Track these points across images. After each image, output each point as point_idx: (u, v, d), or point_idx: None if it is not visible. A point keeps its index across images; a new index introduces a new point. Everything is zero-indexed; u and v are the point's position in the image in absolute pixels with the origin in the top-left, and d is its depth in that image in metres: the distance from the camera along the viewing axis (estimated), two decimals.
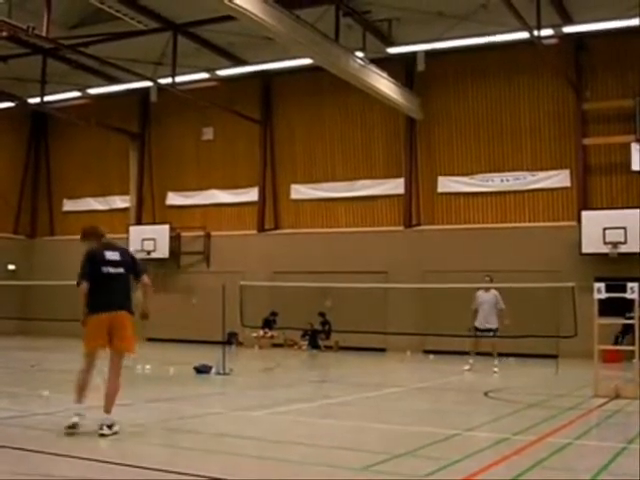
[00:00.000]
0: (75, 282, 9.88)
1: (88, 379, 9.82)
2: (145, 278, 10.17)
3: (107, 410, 9.55)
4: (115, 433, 9.33)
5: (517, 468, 7.86)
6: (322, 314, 28.60)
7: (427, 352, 23.30)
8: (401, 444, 9.22)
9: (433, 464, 8.01)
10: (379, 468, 7.82)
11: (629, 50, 26.12)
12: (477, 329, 20.52)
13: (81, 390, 9.72)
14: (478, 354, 20.58)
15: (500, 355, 20.85)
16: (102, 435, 9.21)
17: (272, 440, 9.64)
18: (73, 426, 9.34)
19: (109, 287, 9.73)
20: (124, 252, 10.32)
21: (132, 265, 10.12)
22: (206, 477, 7.30)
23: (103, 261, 9.81)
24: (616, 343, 22.96)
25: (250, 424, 11.11)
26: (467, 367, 20.13)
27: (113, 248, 10.13)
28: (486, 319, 20.41)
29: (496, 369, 19.90)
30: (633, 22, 23.31)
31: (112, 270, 9.82)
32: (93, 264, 9.81)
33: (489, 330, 20.44)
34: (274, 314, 28.74)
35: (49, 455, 8.26)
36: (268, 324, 28.76)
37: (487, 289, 20.76)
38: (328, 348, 27.98)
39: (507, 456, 8.48)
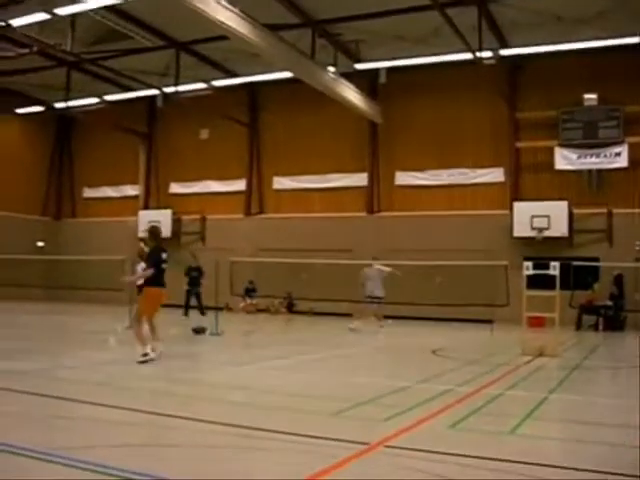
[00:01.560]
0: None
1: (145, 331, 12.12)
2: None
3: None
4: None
5: (459, 414, 7.94)
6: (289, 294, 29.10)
7: (386, 317, 23.31)
8: (363, 394, 9.26)
9: (390, 410, 8.06)
10: (346, 414, 7.86)
11: (554, 69, 26.19)
12: (369, 297, 20.66)
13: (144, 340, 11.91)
14: (387, 317, 21.34)
15: (387, 317, 21.56)
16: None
17: (254, 390, 9.66)
18: (146, 354, 11.57)
19: (163, 274, 12.41)
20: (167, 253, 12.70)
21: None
22: (196, 419, 7.34)
23: (161, 258, 12.43)
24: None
25: (236, 376, 11.12)
26: (352, 326, 20.21)
27: (164, 250, 12.68)
28: (373, 290, 20.55)
29: (382, 327, 20.64)
30: (558, 47, 23.48)
31: (164, 265, 12.44)
32: (159, 258, 12.36)
33: (376, 297, 20.64)
34: (251, 282, 28.74)
35: (72, 401, 8.25)
36: (248, 292, 28.76)
37: (371, 265, 20.96)
38: (303, 313, 28.06)
39: (451, 404, 8.54)
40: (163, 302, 12.55)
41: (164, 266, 12.37)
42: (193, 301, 23.84)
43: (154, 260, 12.34)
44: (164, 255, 12.51)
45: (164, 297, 12.46)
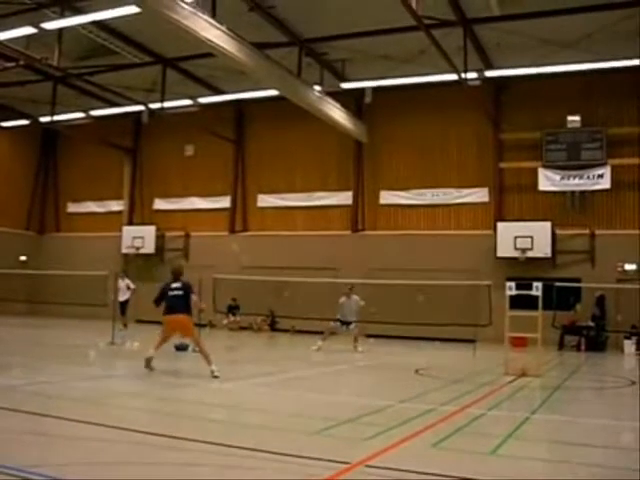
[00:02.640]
0: None
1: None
2: (194, 296, 13.33)
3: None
4: None
5: (442, 433, 7.88)
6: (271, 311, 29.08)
7: (369, 336, 23.23)
8: (346, 413, 9.19)
9: (373, 429, 7.99)
10: (327, 432, 7.80)
11: (538, 91, 26.35)
12: (341, 321, 20.39)
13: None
14: (370, 336, 20.87)
15: (370, 336, 22.06)
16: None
17: (237, 408, 9.58)
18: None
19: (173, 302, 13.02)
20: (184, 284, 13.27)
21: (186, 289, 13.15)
22: (178, 438, 7.22)
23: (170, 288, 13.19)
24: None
25: (219, 394, 11.04)
26: (315, 348, 19.87)
27: (175, 281, 13.26)
28: (347, 316, 20.37)
29: (360, 349, 20.10)
30: (542, 69, 23.63)
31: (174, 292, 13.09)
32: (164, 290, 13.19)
33: (350, 322, 20.41)
34: (234, 300, 28.65)
35: (51, 418, 8.13)
36: (231, 310, 28.67)
37: (349, 296, 20.60)
38: (285, 331, 27.95)
39: (434, 423, 8.49)
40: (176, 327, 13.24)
41: (171, 294, 13.06)
42: None
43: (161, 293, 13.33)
44: (173, 285, 13.23)
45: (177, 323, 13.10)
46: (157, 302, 13.32)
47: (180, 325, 13.12)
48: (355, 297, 20.65)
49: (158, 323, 24.39)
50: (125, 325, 24.06)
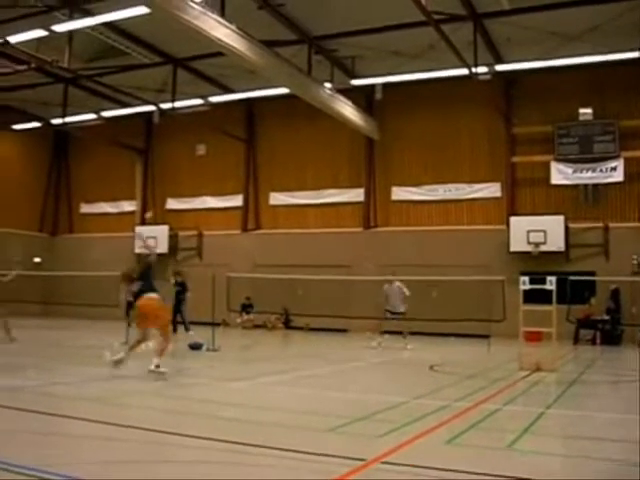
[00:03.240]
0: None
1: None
2: None
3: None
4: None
5: (457, 429, 7.84)
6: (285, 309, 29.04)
7: (383, 332, 23.20)
8: (360, 409, 9.17)
9: (387, 426, 7.96)
10: (342, 430, 7.77)
11: (549, 85, 26.23)
12: (390, 312, 20.59)
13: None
14: (385, 332, 20.68)
15: (384, 332, 20.91)
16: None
17: (251, 406, 9.56)
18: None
19: None
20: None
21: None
22: (192, 436, 7.21)
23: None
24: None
25: (233, 392, 11.02)
26: (375, 344, 20.03)
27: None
28: (395, 306, 20.52)
29: (409, 346, 20.09)
30: (552, 62, 23.50)
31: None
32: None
33: (398, 313, 20.57)
34: (248, 298, 28.63)
35: (64, 418, 8.14)
36: (245, 308, 28.66)
37: (391, 282, 20.76)
38: (299, 329, 27.95)
39: (448, 420, 8.45)
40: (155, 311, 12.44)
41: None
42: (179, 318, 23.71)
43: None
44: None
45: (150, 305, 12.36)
46: (131, 279, 13.02)
47: (151, 304, 12.47)
48: (397, 284, 20.77)
49: (172, 322, 24.52)
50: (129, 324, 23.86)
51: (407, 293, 20.66)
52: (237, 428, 7.93)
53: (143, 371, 11.86)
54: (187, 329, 23.22)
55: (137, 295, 12.45)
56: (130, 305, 24.47)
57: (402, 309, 20.59)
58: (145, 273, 12.64)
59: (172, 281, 23.81)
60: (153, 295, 12.30)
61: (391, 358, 18.17)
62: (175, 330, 23.03)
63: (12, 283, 25.57)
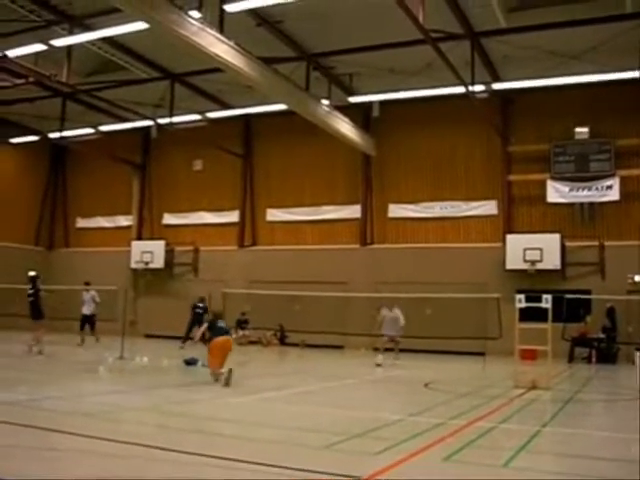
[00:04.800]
0: None
1: None
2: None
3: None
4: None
5: (452, 447, 7.83)
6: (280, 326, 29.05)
7: (377, 350, 23.18)
8: (356, 427, 9.15)
9: (383, 443, 7.95)
10: (338, 447, 7.75)
11: (546, 103, 26.37)
12: (386, 335, 21.74)
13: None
14: (387, 350, 21.42)
15: (408, 351, 22.25)
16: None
17: (246, 422, 9.54)
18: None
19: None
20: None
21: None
22: (188, 453, 7.19)
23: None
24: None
25: (228, 409, 10.99)
26: (379, 362, 20.09)
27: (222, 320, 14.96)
28: (390, 330, 21.63)
29: (397, 361, 20.93)
30: (549, 81, 23.64)
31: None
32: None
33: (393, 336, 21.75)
34: (244, 314, 28.63)
35: (58, 432, 8.12)
36: (240, 324, 28.62)
37: (391, 309, 21.76)
38: (295, 345, 27.89)
39: (443, 437, 8.44)
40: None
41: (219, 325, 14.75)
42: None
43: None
44: (219, 323, 14.85)
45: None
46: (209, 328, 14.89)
47: (229, 344, 14.60)
48: (397, 311, 21.59)
49: (167, 337, 24.50)
50: (83, 340, 23.80)
51: (402, 322, 21.53)
52: (233, 444, 7.91)
53: (139, 386, 11.83)
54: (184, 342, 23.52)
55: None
56: (90, 319, 24.39)
57: (397, 334, 21.61)
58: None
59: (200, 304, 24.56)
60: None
61: (386, 375, 18.14)
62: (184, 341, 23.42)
63: (5, 296, 25.61)
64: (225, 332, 14.76)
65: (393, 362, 20.53)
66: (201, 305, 25.03)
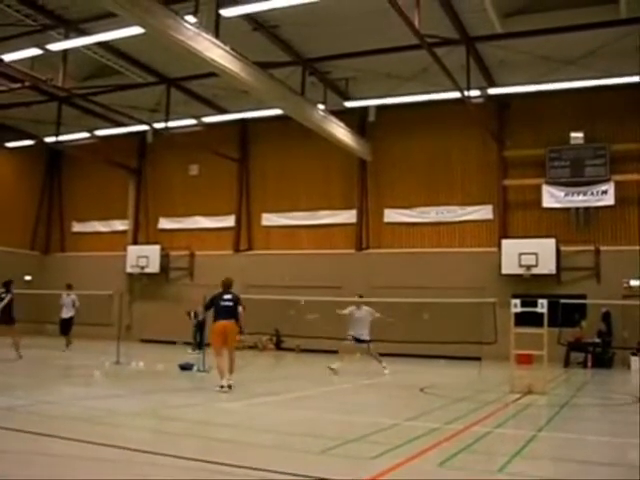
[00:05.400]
0: None
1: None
2: (240, 308, 13.80)
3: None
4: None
5: (448, 452, 7.82)
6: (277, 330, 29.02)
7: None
8: (352, 431, 9.14)
9: (379, 448, 7.94)
10: (334, 452, 7.74)
11: (541, 108, 26.45)
12: (355, 338, 18.78)
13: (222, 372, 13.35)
14: (382, 355, 19.61)
15: (405, 356, 20.23)
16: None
17: (242, 427, 9.52)
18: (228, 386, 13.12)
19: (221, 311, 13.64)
20: (234, 295, 13.93)
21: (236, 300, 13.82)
22: (183, 458, 7.17)
23: (221, 299, 13.80)
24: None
25: (224, 413, 10.98)
26: (334, 366, 18.51)
27: (225, 293, 13.88)
28: (360, 332, 18.69)
29: (386, 371, 18.69)
30: (544, 86, 23.70)
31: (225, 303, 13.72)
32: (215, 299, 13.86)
33: (365, 341, 18.78)
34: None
35: (53, 437, 8.09)
36: None
37: (359, 306, 19.10)
38: (290, 350, 27.86)
39: (439, 442, 8.43)
40: (226, 333, 13.53)
41: (222, 304, 13.67)
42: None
43: (209, 302, 14.10)
44: (225, 296, 13.86)
45: (225, 328, 13.51)
46: (207, 308, 14.22)
47: (227, 329, 13.52)
48: (366, 308, 19.18)
49: (163, 342, 24.46)
50: (69, 343, 23.64)
51: (377, 315, 19.08)
52: (228, 449, 7.90)
53: (135, 390, 11.81)
54: (195, 348, 23.50)
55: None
56: (68, 322, 24.19)
57: (368, 337, 18.79)
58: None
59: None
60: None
61: (381, 380, 18.12)
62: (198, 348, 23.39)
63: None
64: (226, 312, 13.58)
65: (382, 372, 18.67)
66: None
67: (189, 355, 22.31)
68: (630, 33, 20.67)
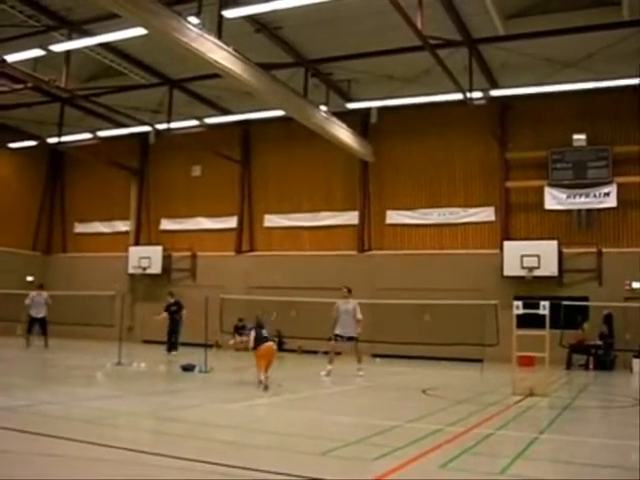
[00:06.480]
0: None
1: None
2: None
3: None
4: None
5: (450, 454, 7.80)
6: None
7: (375, 356, 23.13)
8: (353, 433, 9.13)
9: (380, 450, 7.93)
10: (335, 453, 7.72)
11: (543, 110, 26.43)
12: (338, 336, 18.38)
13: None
14: (376, 356, 19.32)
15: (376, 356, 19.79)
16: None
17: (243, 428, 9.52)
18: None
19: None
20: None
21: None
22: (184, 459, 7.16)
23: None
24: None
25: (225, 414, 10.97)
26: (324, 373, 18.00)
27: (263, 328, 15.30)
28: (345, 328, 18.24)
29: (361, 372, 18.04)
30: (547, 88, 23.65)
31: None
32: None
33: (350, 338, 18.31)
34: (241, 320, 28.52)
35: (53, 438, 8.09)
36: (238, 330, 28.51)
37: (346, 300, 18.52)
38: (292, 351, 27.83)
39: (441, 444, 8.41)
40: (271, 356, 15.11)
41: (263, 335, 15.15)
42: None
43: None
44: (263, 332, 15.25)
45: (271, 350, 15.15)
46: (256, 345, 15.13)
47: (272, 350, 15.20)
48: (353, 302, 18.51)
49: (165, 343, 24.50)
50: (46, 345, 23.53)
51: (359, 317, 18.31)
52: (230, 451, 7.89)
53: (136, 391, 11.80)
54: (171, 349, 23.21)
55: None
56: (42, 322, 24.07)
57: (354, 333, 18.24)
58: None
59: (170, 301, 24.00)
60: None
61: (383, 382, 18.11)
62: (175, 348, 23.17)
63: (3, 301, 25.50)
64: (266, 339, 15.19)
65: (356, 373, 18.07)
66: (172, 301, 24.46)
67: (172, 356, 22.31)
68: (633, 35, 20.63)
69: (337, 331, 18.45)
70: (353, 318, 18.32)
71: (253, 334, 15.24)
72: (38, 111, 30.09)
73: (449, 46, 21.63)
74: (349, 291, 18.88)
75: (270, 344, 15.23)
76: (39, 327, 24.17)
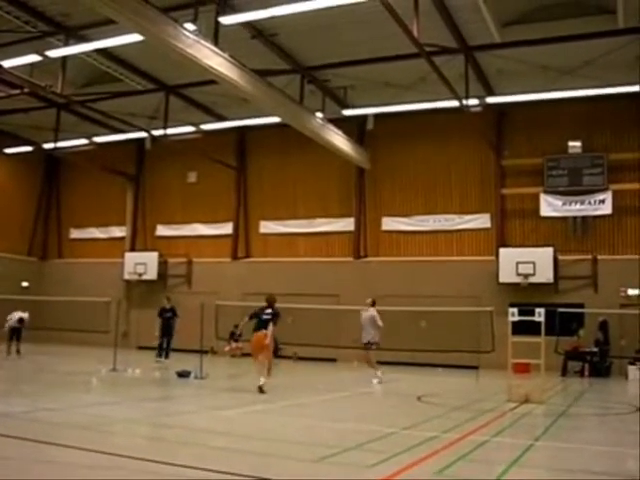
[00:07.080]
0: None
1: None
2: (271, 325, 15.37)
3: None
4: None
5: (446, 460, 7.82)
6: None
7: (369, 363, 23.09)
8: (349, 440, 9.14)
9: (376, 456, 7.94)
10: (330, 460, 7.74)
11: (539, 118, 26.50)
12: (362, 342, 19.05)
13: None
14: (380, 363, 19.47)
15: (401, 364, 19.85)
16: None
17: (239, 435, 9.52)
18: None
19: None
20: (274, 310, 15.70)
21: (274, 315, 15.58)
22: (178, 465, 7.16)
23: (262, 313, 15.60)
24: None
25: (221, 421, 10.97)
26: (377, 380, 18.45)
27: (268, 307, 15.69)
28: (364, 334, 18.91)
29: (375, 380, 18.54)
30: (542, 95, 23.72)
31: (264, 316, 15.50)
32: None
33: (367, 343, 18.89)
34: (236, 326, 28.45)
35: (50, 445, 8.08)
36: (233, 336, 28.45)
37: (367, 309, 19.28)
38: (287, 358, 27.78)
39: (437, 450, 8.43)
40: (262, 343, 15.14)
41: (264, 317, 15.43)
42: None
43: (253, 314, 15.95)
44: (267, 310, 15.69)
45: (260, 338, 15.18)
46: (250, 317, 16.02)
47: (260, 338, 15.23)
48: (372, 312, 19.06)
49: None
50: (18, 352, 23.49)
51: (380, 324, 18.86)
52: (225, 457, 7.89)
53: (131, 398, 11.80)
54: (161, 355, 23.05)
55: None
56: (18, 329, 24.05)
57: (366, 340, 18.82)
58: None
59: (166, 306, 23.81)
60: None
61: (379, 389, 18.11)
62: (160, 355, 23.03)
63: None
64: (262, 325, 15.27)
65: (376, 381, 18.47)
66: (168, 307, 24.07)
67: (160, 363, 22.21)
68: (628, 43, 20.74)
69: (364, 338, 19.16)
70: (370, 326, 18.96)
71: (246, 319, 15.76)
72: (34, 116, 30.11)
73: (445, 53, 21.70)
74: (373, 303, 19.64)
75: (259, 333, 15.27)
76: (14, 334, 24.01)
